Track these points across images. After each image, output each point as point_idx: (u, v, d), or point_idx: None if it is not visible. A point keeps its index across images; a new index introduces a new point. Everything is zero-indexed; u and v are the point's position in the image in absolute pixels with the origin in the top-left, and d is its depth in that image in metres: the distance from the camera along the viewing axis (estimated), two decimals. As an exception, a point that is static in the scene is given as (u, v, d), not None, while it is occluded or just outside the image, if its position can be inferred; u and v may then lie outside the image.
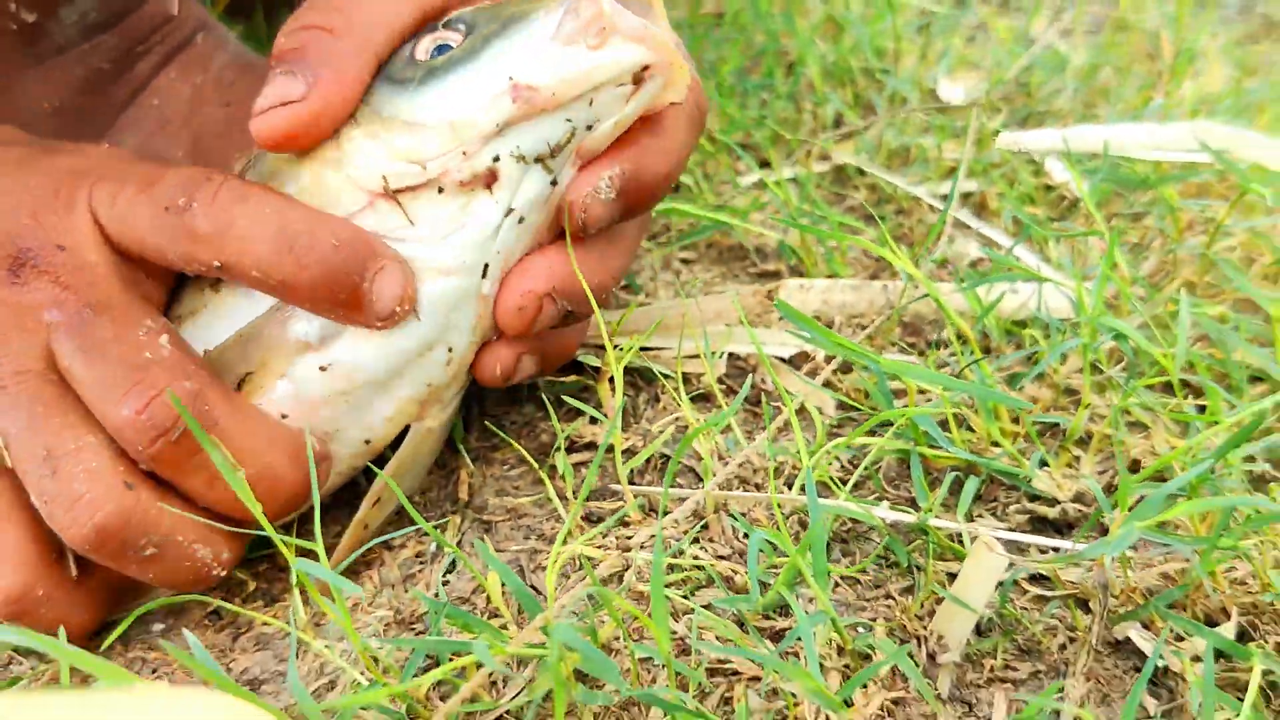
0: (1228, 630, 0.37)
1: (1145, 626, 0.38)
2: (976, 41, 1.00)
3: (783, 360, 0.52)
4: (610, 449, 0.47)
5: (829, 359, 0.51)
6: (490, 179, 0.39)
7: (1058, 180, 0.67)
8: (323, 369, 0.40)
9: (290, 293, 0.38)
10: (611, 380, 0.49)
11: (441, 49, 0.40)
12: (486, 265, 0.40)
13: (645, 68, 0.38)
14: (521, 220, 0.40)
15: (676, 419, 0.49)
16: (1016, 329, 0.53)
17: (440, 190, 0.39)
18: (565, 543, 0.41)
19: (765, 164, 0.72)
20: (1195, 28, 1.09)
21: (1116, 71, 0.85)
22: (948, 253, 0.62)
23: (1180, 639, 0.38)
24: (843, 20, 0.80)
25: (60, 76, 0.51)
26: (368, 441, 0.43)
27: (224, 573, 0.40)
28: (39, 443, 0.37)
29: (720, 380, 0.51)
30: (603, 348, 0.52)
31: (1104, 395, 0.49)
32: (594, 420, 0.49)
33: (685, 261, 0.63)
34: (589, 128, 0.39)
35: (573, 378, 0.51)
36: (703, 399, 0.51)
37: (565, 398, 0.50)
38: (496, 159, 0.39)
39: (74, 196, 0.40)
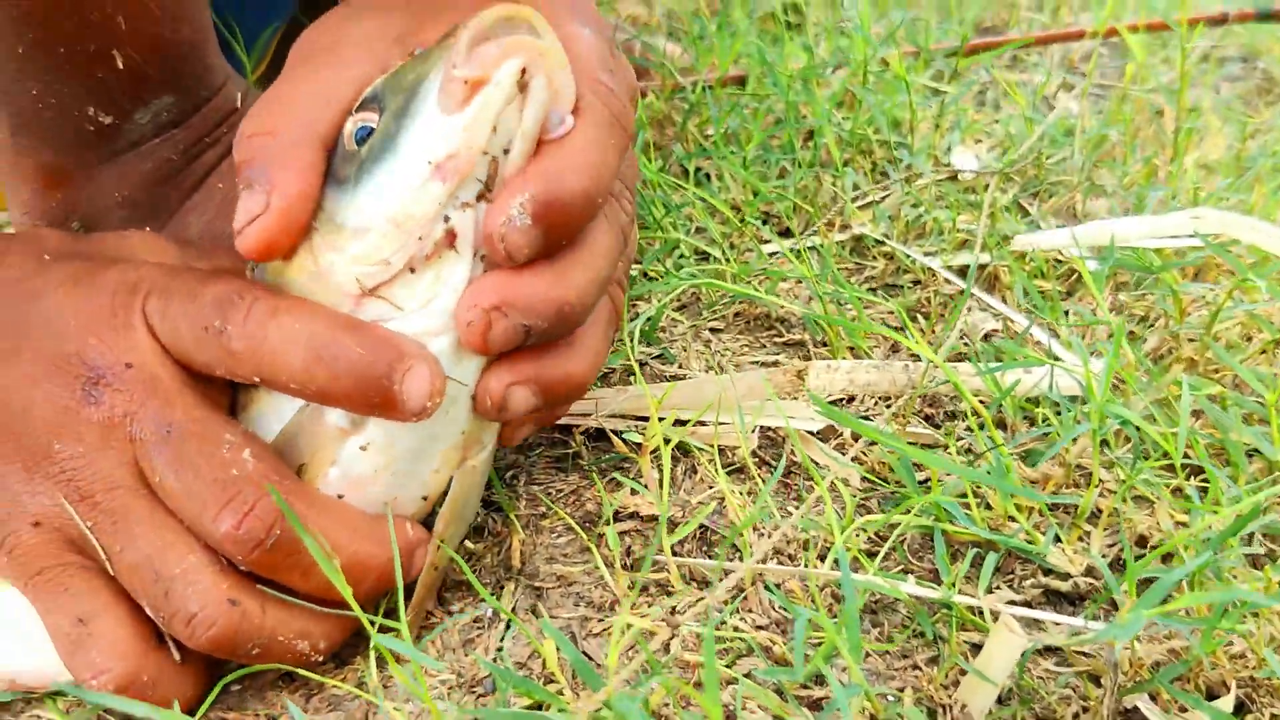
0: (1226, 703, 0.41)
1: (1152, 698, 0.42)
2: (987, 102, 1.04)
3: (811, 434, 0.55)
4: (652, 519, 0.51)
5: (856, 435, 0.55)
6: (451, 238, 0.41)
7: (1067, 255, 0.70)
8: (363, 449, 0.43)
9: (327, 399, 0.41)
10: (654, 455, 0.52)
11: (364, 129, 0.42)
12: None
13: (523, 72, 0.39)
14: (484, 257, 0.42)
15: (713, 489, 0.52)
16: (1030, 406, 0.56)
17: (412, 270, 0.41)
18: (616, 612, 0.44)
19: (787, 233, 0.76)
20: (1199, 81, 1.13)
21: (1123, 141, 0.89)
22: (964, 324, 0.65)
23: (1184, 710, 0.41)
24: (859, 95, 0.84)
25: (131, 171, 0.54)
26: (425, 498, 0.46)
27: (323, 658, 0.44)
28: (147, 564, 0.40)
29: (753, 453, 0.55)
30: (644, 419, 0.56)
31: (1113, 471, 0.53)
32: (634, 491, 0.52)
33: (714, 330, 0.67)
34: (506, 151, 0.40)
35: (614, 450, 0.55)
36: (737, 471, 0.54)
37: (607, 469, 0.53)
38: (447, 219, 0.41)
39: (130, 314, 0.42)
